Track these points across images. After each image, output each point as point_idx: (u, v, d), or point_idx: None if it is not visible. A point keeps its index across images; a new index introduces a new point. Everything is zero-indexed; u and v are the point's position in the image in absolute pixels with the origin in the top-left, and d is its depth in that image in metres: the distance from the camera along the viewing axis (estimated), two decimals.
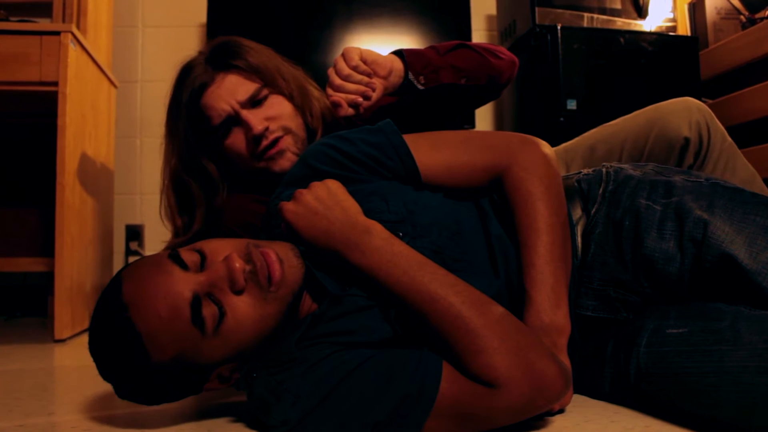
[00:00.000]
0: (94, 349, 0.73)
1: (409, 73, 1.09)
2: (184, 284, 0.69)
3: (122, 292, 0.69)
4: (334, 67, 1.06)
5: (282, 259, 0.74)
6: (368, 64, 1.06)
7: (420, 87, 1.10)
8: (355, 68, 1.04)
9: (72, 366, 1.35)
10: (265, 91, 1.10)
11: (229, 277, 0.71)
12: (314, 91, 1.20)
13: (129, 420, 0.88)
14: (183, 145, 1.12)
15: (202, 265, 0.72)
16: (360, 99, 1.04)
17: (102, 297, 0.73)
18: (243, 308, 0.71)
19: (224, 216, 1.12)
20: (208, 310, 0.69)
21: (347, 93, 1.04)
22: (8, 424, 0.83)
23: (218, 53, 1.11)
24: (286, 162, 1.09)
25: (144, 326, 0.68)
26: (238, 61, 1.10)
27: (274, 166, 1.09)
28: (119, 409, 0.95)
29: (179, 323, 0.68)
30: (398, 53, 1.11)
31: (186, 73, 1.12)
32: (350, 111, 1.04)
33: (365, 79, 1.04)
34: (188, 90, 1.09)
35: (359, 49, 1.07)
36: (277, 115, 1.10)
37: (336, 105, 1.04)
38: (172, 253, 0.72)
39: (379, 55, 1.08)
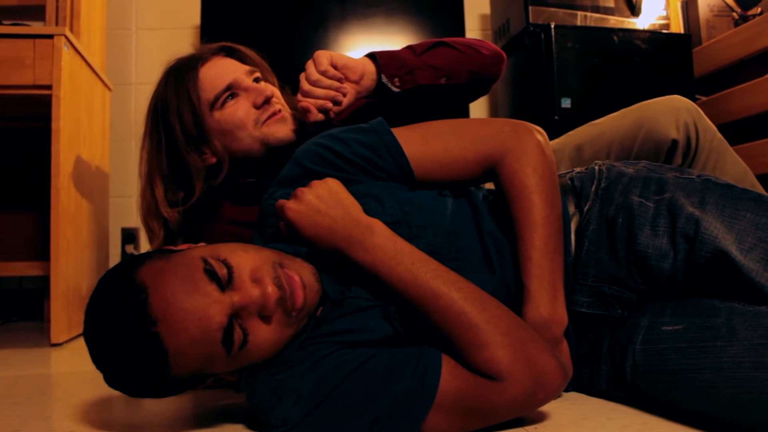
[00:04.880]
0: (103, 347, 0.69)
1: (382, 75, 1.08)
2: (219, 307, 0.67)
3: (149, 304, 0.65)
4: (305, 72, 1.05)
5: (305, 284, 0.74)
6: (338, 69, 1.04)
7: (395, 89, 1.08)
8: (324, 73, 1.03)
9: (69, 370, 1.34)
10: (259, 74, 1.12)
11: (262, 303, 0.69)
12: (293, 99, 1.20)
13: (126, 424, 0.88)
14: (184, 122, 1.08)
15: (230, 279, 0.70)
16: (329, 104, 1.03)
17: (118, 297, 0.68)
18: (265, 332, 0.71)
19: (206, 226, 1.11)
20: (236, 334, 0.69)
21: (316, 98, 1.03)
22: (5, 429, 0.83)
23: (215, 46, 1.14)
24: (287, 129, 1.10)
25: (174, 344, 0.66)
26: (234, 54, 1.13)
27: (277, 133, 1.09)
28: (116, 413, 0.95)
29: (209, 345, 0.67)
30: (371, 56, 1.09)
31: (178, 60, 1.13)
32: (320, 116, 1.03)
33: (335, 83, 1.03)
34: (187, 65, 1.10)
35: (329, 53, 1.06)
36: (272, 91, 1.11)
37: (305, 111, 1.03)
38: (207, 267, 0.69)
39: (350, 58, 1.07)
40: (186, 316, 0.65)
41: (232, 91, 1.08)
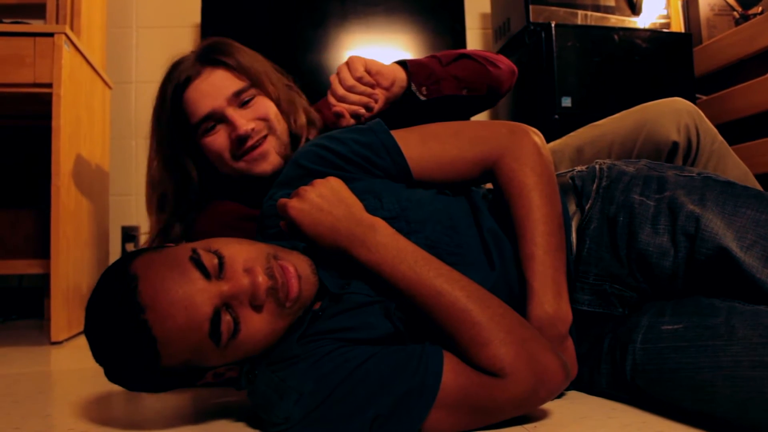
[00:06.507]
0: (99, 338, 0.71)
1: (412, 84, 1.09)
2: (205, 296, 0.68)
3: (139, 292, 0.67)
4: (338, 75, 1.06)
5: (300, 275, 0.74)
6: (372, 75, 1.05)
7: (422, 98, 1.10)
8: (359, 79, 1.04)
9: (69, 368, 1.34)
10: (252, 91, 1.08)
11: (252, 292, 0.70)
12: (301, 101, 1.18)
13: (126, 422, 0.88)
14: (165, 141, 1.10)
15: (221, 269, 0.70)
16: (362, 110, 1.04)
17: (112, 287, 0.70)
18: (257, 323, 0.71)
19: (201, 219, 1.11)
20: (225, 323, 0.69)
21: (350, 104, 1.04)
22: (5, 427, 0.83)
23: (208, 50, 1.10)
24: (267, 165, 1.07)
25: (161, 332, 0.66)
26: (228, 59, 1.08)
27: (255, 168, 1.07)
28: (117, 412, 0.95)
29: (197, 335, 0.68)
30: (401, 63, 1.11)
31: (174, 68, 1.10)
32: (352, 121, 1.04)
33: (368, 90, 1.04)
34: (173, 84, 1.07)
35: (363, 59, 1.06)
36: (263, 114, 1.07)
37: (339, 115, 1.04)
38: (193, 256, 0.70)
39: (382, 65, 1.08)
40: (173, 304, 0.67)
41: (211, 121, 1.06)
